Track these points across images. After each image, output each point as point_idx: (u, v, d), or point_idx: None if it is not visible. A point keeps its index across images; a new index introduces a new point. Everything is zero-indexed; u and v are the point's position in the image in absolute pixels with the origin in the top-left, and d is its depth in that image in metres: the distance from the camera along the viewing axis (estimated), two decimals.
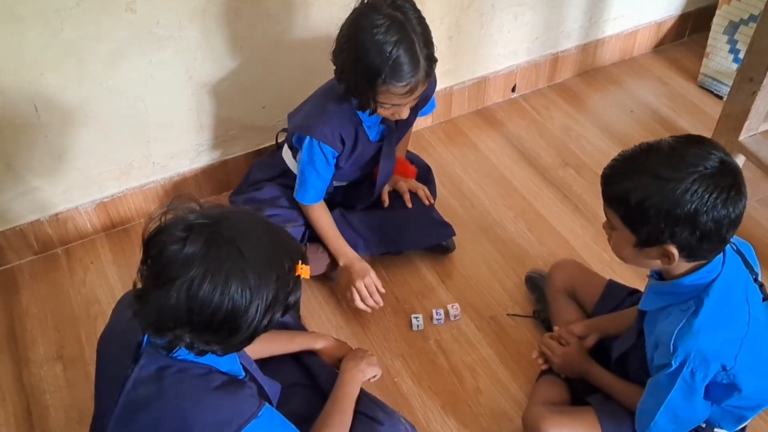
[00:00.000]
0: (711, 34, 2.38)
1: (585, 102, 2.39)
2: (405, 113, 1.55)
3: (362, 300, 1.66)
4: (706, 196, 1.07)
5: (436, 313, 1.74)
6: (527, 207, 2.03)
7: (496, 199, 2.05)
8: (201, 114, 1.88)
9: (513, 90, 2.38)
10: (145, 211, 1.97)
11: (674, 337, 1.17)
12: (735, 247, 1.24)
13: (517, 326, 1.73)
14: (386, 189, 1.81)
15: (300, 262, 1.06)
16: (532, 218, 1.99)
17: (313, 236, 1.74)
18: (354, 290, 1.65)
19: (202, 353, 1.04)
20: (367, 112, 1.54)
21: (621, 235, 1.18)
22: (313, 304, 1.79)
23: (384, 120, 1.64)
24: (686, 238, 1.10)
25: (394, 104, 1.51)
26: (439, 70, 2.14)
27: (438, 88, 2.19)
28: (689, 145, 1.12)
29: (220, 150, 1.99)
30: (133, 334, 1.09)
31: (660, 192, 1.09)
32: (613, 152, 2.11)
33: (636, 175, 1.12)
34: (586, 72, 2.50)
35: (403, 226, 1.79)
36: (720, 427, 1.32)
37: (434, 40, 2.05)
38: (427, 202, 1.81)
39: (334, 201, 1.81)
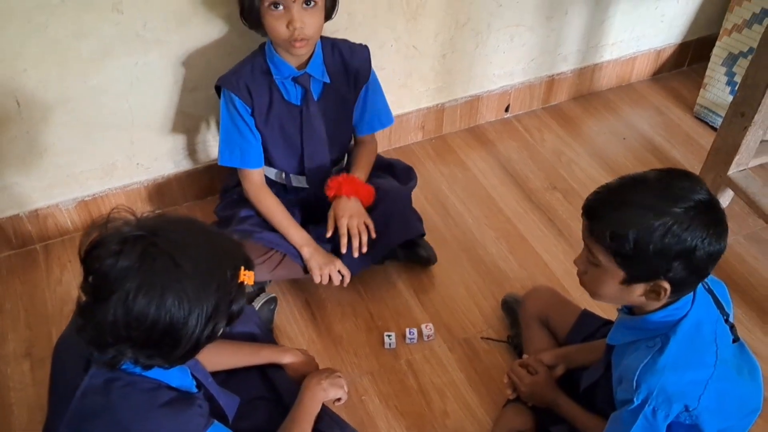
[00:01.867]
0: (710, 65, 2.36)
1: (578, 126, 2.38)
2: (298, 20, 1.49)
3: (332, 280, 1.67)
4: (704, 231, 1.06)
5: (409, 332, 1.72)
6: (511, 229, 2.01)
7: (480, 219, 2.03)
8: (187, 118, 1.87)
9: (506, 110, 2.37)
10: None
11: (638, 374, 1.15)
12: (706, 286, 1.22)
13: (490, 350, 1.71)
14: (331, 215, 1.67)
15: (243, 268, 1.04)
16: (514, 241, 1.97)
17: None
18: (320, 276, 1.66)
19: (147, 367, 1.03)
20: (277, 62, 1.58)
21: (605, 271, 1.14)
22: (288, 317, 1.77)
23: (297, 79, 1.62)
24: (680, 272, 1.08)
25: None
26: (430, 87, 2.17)
27: (430, 104, 2.21)
28: (678, 178, 1.11)
29: (204, 154, 1.98)
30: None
31: (659, 228, 1.06)
32: (602, 179, 2.13)
33: (631, 210, 1.08)
34: (582, 96, 2.48)
35: (381, 229, 1.70)
36: None
37: (428, 57, 2.07)
38: (358, 246, 1.66)
39: (297, 205, 1.80)
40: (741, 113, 1.87)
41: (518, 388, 1.49)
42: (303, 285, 1.83)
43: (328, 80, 1.66)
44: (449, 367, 1.68)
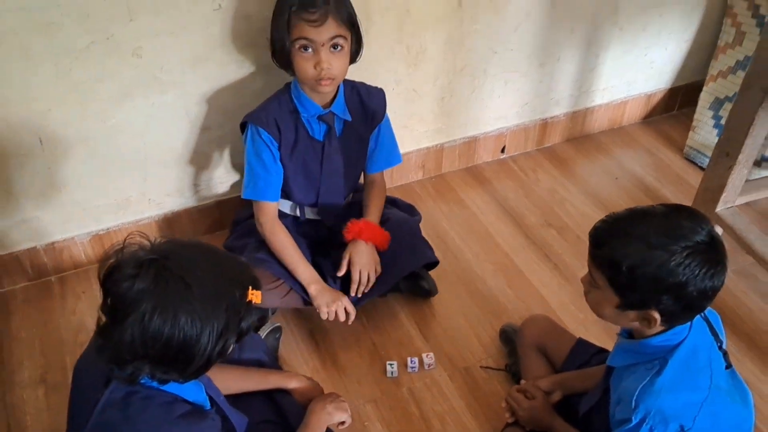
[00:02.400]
0: (698, 108, 2.47)
1: (572, 167, 2.48)
2: (325, 62, 1.59)
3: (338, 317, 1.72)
4: (697, 270, 1.12)
5: (411, 361, 1.78)
6: (508, 263, 2.09)
7: (479, 254, 2.11)
8: (198, 155, 1.97)
9: (502, 151, 2.47)
10: None
11: (636, 394, 1.20)
12: (702, 314, 1.28)
13: (489, 379, 1.77)
14: (346, 257, 1.76)
15: (251, 287, 1.11)
16: (512, 274, 2.05)
17: None
18: (327, 313, 1.71)
19: (163, 381, 1.09)
20: (304, 101, 1.67)
21: (604, 294, 1.21)
22: (292, 346, 1.84)
23: (322, 117, 1.72)
24: (671, 305, 1.15)
25: (308, 38, 1.57)
26: (430, 128, 2.27)
27: (429, 144, 2.30)
28: (682, 217, 1.16)
29: (214, 191, 2.07)
30: None
31: (653, 262, 1.12)
32: (595, 216, 2.21)
33: (630, 242, 1.15)
34: (575, 138, 2.59)
35: (392, 258, 1.80)
36: None
37: (427, 99, 2.18)
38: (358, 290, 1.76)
39: (308, 237, 1.87)
40: (726, 153, 1.96)
41: (516, 413, 1.54)
42: (307, 315, 1.89)
43: (349, 118, 1.76)
44: (450, 394, 1.73)
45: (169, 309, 1.02)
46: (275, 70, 1.88)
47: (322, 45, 1.59)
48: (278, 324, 1.81)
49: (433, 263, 1.88)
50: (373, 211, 1.86)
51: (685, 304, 1.15)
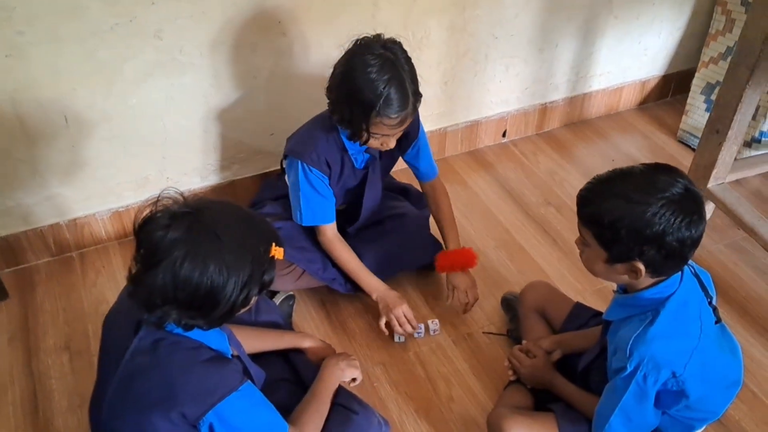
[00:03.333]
0: (690, 93, 2.57)
1: (570, 150, 2.57)
2: (392, 143, 1.70)
3: (395, 329, 1.79)
4: (672, 219, 1.19)
5: (417, 327, 1.87)
6: (509, 239, 2.18)
7: (481, 231, 2.20)
8: (214, 136, 2.06)
9: (503, 135, 2.56)
10: None
11: (631, 343, 1.28)
12: (693, 270, 1.37)
13: (492, 343, 1.86)
14: (450, 287, 1.89)
15: (274, 244, 1.20)
16: (513, 249, 2.14)
17: None
18: (386, 322, 1.79)
19: (188, 327, 1.17)
20: (356, 141, 1.70)
21: (593, 251, 1.30)
22: (304, 314, 1.93)
23: (368, 149, 1.80)
24: (653, 255, 1.22)
25: (384, 134, 1.66)
26: (434, 112, 2.36)
27: (433, 128, 2.39)
28: (659, 172, 1.25)
29: (229, 171, 2.16)
30: (134, 311, 1.21)
31: (632, 214, 1.20)
32: None
33: (610, 198, 1.23)
34: (573, 123, 2.69)
35: (400, 251, 1.92)
36: None
37: (431, 84, 2.28)
38: (468, 307, 1.89)
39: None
40: (716, 130, 2.05)
41: (518, 371, 1.62)
42: (318, 288, 1.98)
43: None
44: (454, 358, 1.82)
45: (200, 257, 1.10)
46: (286, 54, 1.98)
47: (394, 135, 1.68)
48: (291, 292, 1.90)
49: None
50: (451, 236, 1.94)
51: (667, 254, 1.22)
